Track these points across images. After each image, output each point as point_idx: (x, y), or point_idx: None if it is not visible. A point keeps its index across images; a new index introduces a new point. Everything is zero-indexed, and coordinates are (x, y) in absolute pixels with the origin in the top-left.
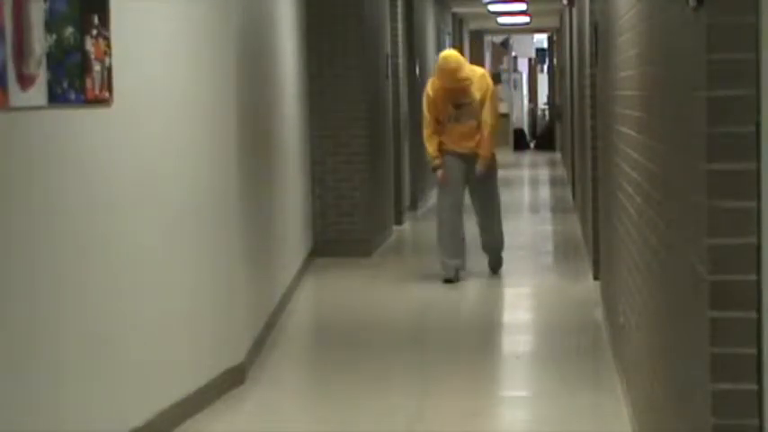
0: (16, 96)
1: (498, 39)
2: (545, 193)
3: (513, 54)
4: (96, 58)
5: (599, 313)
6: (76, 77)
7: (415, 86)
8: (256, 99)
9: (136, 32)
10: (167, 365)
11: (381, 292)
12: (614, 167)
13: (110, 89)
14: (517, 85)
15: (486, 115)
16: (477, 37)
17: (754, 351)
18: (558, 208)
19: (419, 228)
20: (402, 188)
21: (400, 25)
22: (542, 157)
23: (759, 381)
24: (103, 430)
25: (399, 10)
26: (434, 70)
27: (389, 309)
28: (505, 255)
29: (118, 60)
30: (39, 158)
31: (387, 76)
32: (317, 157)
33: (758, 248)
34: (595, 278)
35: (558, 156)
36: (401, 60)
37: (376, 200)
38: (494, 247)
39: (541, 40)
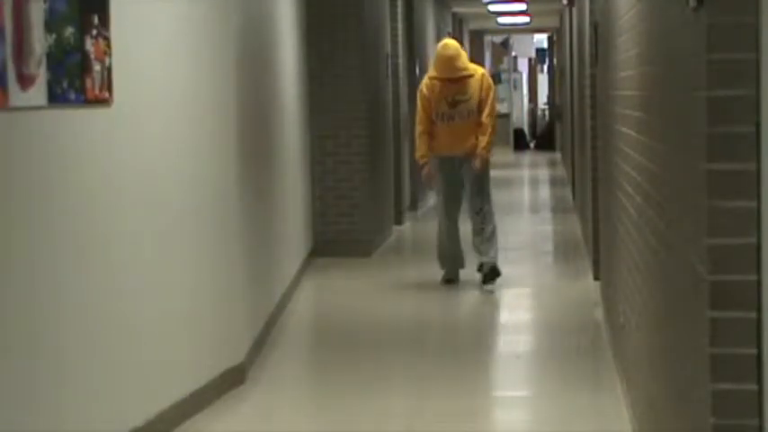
0: (16, 96)
1: (498, 39)
2: (545, 192)
3: (513, 54)
4: (96, 58)
5: (599, 313)
6: (76, 77)
7: (415, 86)
8: (256, 99)
9: (136, 32)
10: (167, 365)
11: (381, 291)
12: (614, 167)
13: (110, 89)
14: (517, 85)
15: (486, 117)
16: (477, 37)
17: (754, 351)
18: (558, 208)
19: (419, 228)
20: (402, 188)
21: (400, 25)
22: (542, 157)
23: (759, 381)
24: (103, 430)
25: (399, 10)
26: (432, 62)
27: (389, 309)
28: (506, 255)
29: (118, 60)
30: (39, 158)
31: (387, 76)
32: (316, 157)
33: (758, 248)
34: (595, 278)
35: (558, 156)
36: (401, 60)
37: (376, 200)
38: (480, 248)
39: (541, 40)
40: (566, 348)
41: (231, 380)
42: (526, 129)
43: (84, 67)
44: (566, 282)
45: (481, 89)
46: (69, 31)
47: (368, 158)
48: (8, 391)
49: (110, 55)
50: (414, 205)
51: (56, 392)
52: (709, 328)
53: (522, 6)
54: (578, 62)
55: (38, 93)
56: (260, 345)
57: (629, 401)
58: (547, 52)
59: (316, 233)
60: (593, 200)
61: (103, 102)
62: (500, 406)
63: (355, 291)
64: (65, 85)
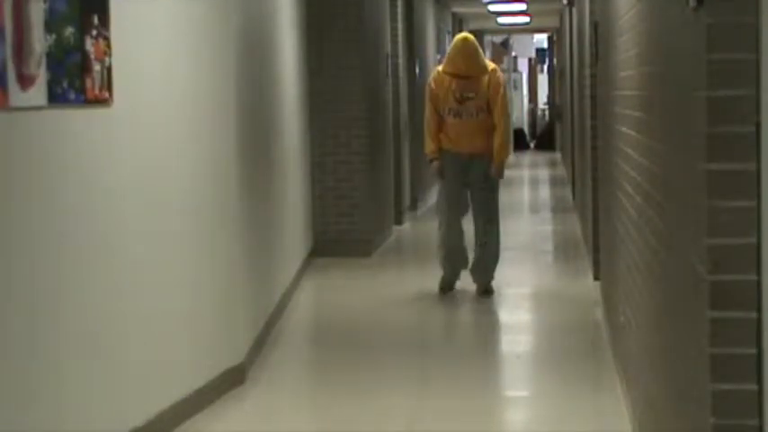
0: (16, 96)
1: (498, 39)
2: (545, 192)
3: (513, 54)
4: (96, 58)
5: (599, 313)
6: (76, 77)
7: (415, 86)
8: (256, 99)
9: (136, 32)
10: (167, 365)
11: (381, 292)
12: (614, 167)
13: (110, 89)
14: (517, 85)
15: (498, 117)
16: (478, 37)
17: (754, 351)
18: (558, 208)
19: (419, 228)
20: (402, 188)
21: (400, 25)
22: (542, 157)
23: (759, 381)
24: (103, 430)
25: (399, 10)
26: (447, 55)
27: (389, 309)
28: (506, 255)
29: (118, 60)
30: (39, 158)
31: (387, 76)
32: (316, 157)
33: (758, 248)
34: (595, 278)
35: (558, 156)
36: (401, 60)
37: (376, 200)
38: (482, 267)
39: (541, 40)
40: (566, 348)
41: (231, 380)
42: (526, 129)
43: (84, 67)
44: (566, 282)
45: (489, 86)
46: (69, 31)
47: (368, 158)
48: (8, 391)
49: (110, 55)
50: (414, 205)
51: (56, 392)
52: (709, 328)
53: (522, 6)
54: (578, 62)
55: (38, 93)
56: (260, 345)
57: (629, 401)
58: (547, 52)
59: (316, 233)
60: (593, 200)
61: (103, 102)
62: (500, 406)
63: (355, 291)
64: (65, 85)
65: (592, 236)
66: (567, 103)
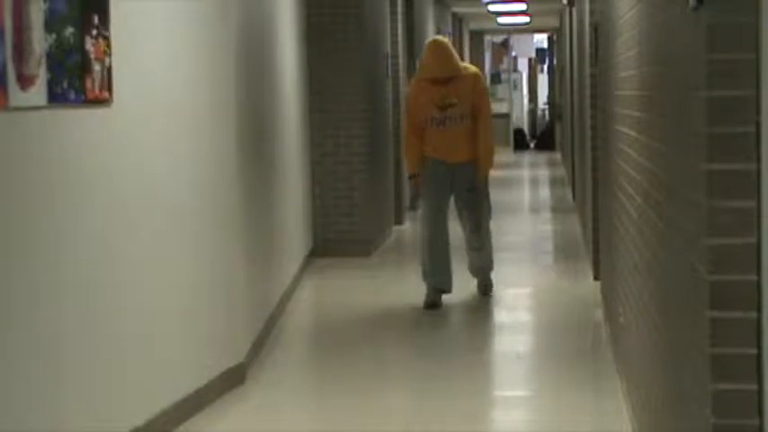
0: (16, 96)
1: (498, 39)
2: (545, 192)
3: (513, 54)
4: (96, 58)
5: (599, 313)
6: (76, 77)
7: None
8: (256, 99)
9: (136, 32)
10: (167, 365)
11: (381, 292)
12: (614, 167)
13: (110, 89)
14: (517, 85)
15: (483, 125)
16: (477, 37)
17: (754, 351)
18: (558, 208)
19: (419, 228)
20: (402, 188)
21: (400, 25)
22: (542, 157)
23: (759, 381)
24: (103, 430)
25: (399, 10)
26: (420, 63)
27: (389, 309)
28: (505, 255)
29: (118, 60)
30: (39, 158)
31: (386, 76)
32: (316, 156)
33: (758, 248)
34: (595, 278)
35: (558, 156)
36: (401, 60)
37: (376, 200)
38: (481, 267)
39: (541, 40)
40: (566, 348)
41: (231, 380)
42: (526, 129)
43: (84, 67)
44: (566, 282)
45: (474, 91)
46: (69, 31)
47: (368, 158)
48: (8, 391)
49: (110, 55)
50: (414, 205)
51: (56, 392)
52: (709, 328)
53: (522, 6)
54: (578, 62)
55: (38, 93)
56: (260, 345)
57: (629, 401)
58: (547, 52)
59: (316, 233)
60: (594, 200)
61: (103, 102)
62: (500, 406)
63: (355, 291)
64: (65, 85)
65: (592, 236)
66: (567, 103)
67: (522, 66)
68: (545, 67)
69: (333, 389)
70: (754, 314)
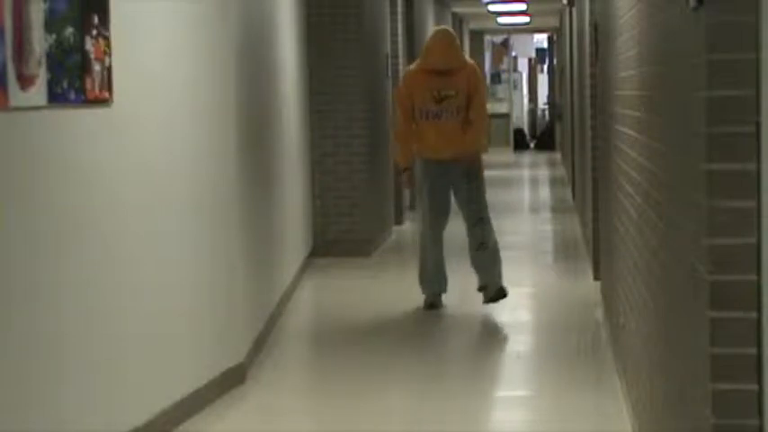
0: (16, 96)
1: (498, 39)
2: (545, 192)
3: (513, 54)
4: (96, 58)
5: (599, 313)
6: (76, 77)
7: None
8: (256, 99)
9: (136, 32)
10: (167, 365)
11: (381, 292)
12: (614, 167)
13: (110, 89)
14: (517, 85)
15: (474, 112)
16: (477, 37)
17: (754, 351)
18: (558, 208)
19: (419, 228)
20: (402, 188)
21: (400, 25)
22: (542, 157)
23: (759, 381)
24: (103, 430)
25: (399, 10)
26: (422, 51)
27: (389, 309)
28: (506, 254)
29: (118, 60)
30: (39, 158)
31: (386, 76)
32: (316, 157)
33: (758, 248)
34: (595, 278)
35: (558, 156)
36: (401, 60)
37: (376, 200)
38: (488, 265)
39: (541, 40)
40: (566, 348)
41: (231, 380)
42: (526, 129)
43: (85, 67)
44: (566, 282)
45: (469, 83)
46: (69, 31)
47: (368, 158)
48: (8, 391)
49: (110, 55)
50: (414, 205)
51: (56, 392)
52: (709, 328)
53: (522, 6)
54: (578, 62)
55: (38, 93)
56: (260, 345)
57: (629, 401)
58: (547, 52)
59: (316, 233)
60: (594, 200)
61: (103, 102)
62: (500, 406)
63: (355, 291)
64: (65, 85)
65: (592, 236)
66: (567, 103)
67: (522, 66)
68: (545, 67)
69: (333, 389)
70: (754, 314)
